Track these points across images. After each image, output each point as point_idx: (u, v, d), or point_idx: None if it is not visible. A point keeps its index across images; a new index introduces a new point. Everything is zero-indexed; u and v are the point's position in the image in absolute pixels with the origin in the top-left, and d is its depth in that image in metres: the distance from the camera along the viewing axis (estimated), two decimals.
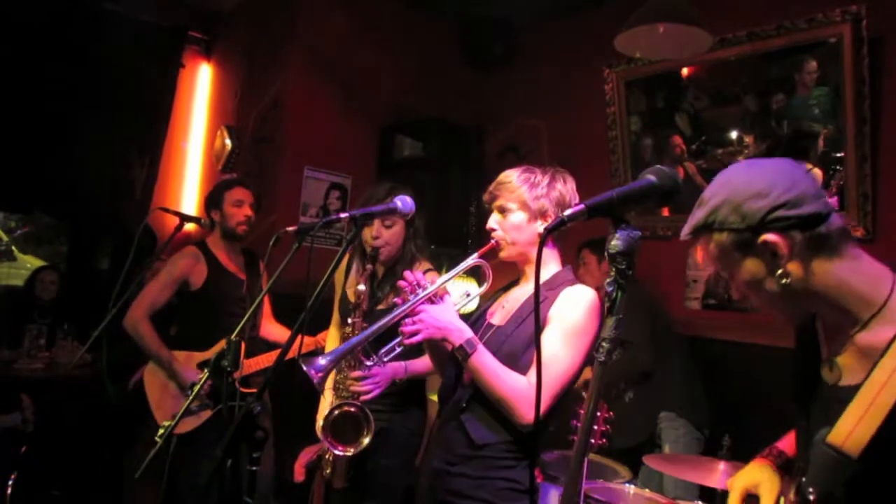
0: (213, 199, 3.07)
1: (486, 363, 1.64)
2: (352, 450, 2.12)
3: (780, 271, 1.07)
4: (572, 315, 1.67)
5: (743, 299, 1.21)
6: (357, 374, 2.19)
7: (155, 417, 2.89)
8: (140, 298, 2.91)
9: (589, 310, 1.68)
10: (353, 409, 2.15)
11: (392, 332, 1.77)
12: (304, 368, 1.61)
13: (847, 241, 1.09)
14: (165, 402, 2.90)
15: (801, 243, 1.06)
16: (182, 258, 2.98)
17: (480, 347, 1.66)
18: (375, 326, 1.75)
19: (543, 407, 1.59)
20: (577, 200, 1.80)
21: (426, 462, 1.88)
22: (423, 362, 2.33)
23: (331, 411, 2.15)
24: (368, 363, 2.12)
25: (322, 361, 1.65)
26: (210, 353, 2.87)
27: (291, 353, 1.76)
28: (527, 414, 1.59)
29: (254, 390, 2.87)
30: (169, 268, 2.97)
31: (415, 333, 1.69)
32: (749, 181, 1.10)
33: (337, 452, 2.13)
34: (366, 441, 2.12)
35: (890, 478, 0.99)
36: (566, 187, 1.80)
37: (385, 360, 1.85)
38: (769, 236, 1.06)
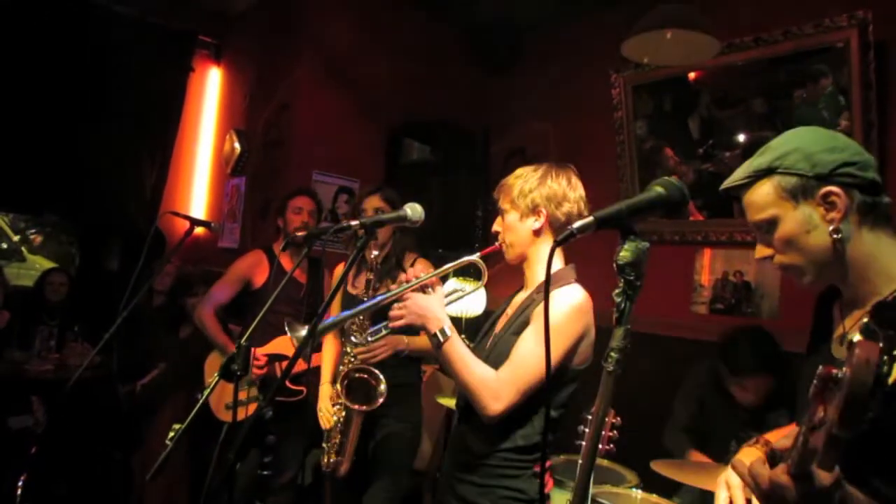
0: (279, 207, 3.29)
1: (457, 351, 1.67)
2: (369, 406, 2.34)
3: (833, 226, 1.10)
4: (552, 314, 1.62)
5: (769, 258, 1.20)
6: (361, 349, 2.39)
7: (212, 407, 3.06)
8: (207, 296, 3.18)
9: (570, 311, 1.65)
10: (363, 375, 2.36)
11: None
12: (288, 335, 1.72)
13: (889, 220, 1.14)
14: (224, 390, 3.06)
15: (858, 204, 1.10)
16: (246, 259, 3.23)
17: (454, 337, 1.69)
18: (363, 306, 1.86)
19: (510, 401, 1.61)
20: (574, 192, 1.78)
21: (442, 465, 1.92)
22: (425, 339, 2.41)
23: (342, 379, 2.36)
24: (354, 341, 2.37)
25: (303, 332, 1.71)
26: (267, 349, 3.05)
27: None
28: (490, 405, 1.61)
29: (302, 388, 2.99)
30: (234, 268, 3.21)
31: (400, 318, 1.75)
32: (823, 137, 1.15)
33: (358, 408, 2.35)
34: (380, 395, 2.32)
35: (887, 434, 1.00)
36: (558, 181, 1.77)
37: (370, 340, 1.93)
38: (833, 188, 1.10)
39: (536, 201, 1.75)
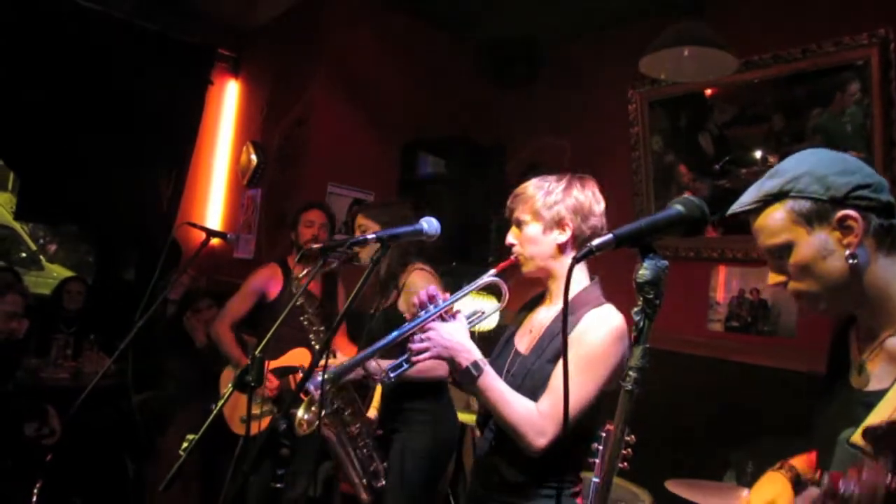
0: (292, 220, 3.34)
1: (493, 386, 1.57)
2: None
3: (849, 251, 1.06)
4: (590, 341, 1.55)
5: (783, 284, 1.16)
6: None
7: (227, 419, 3.09)
8: (224, 310, 3.23)
9: (609, 336, 1.55)
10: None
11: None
12: (306, 384, 1.61)
13: None
14: (238, 403, 3.09)
15: (874, 228, 1.07)
16: (261, 272, 3.28)
17: (488, 370, 1.58)
18: (383, 343, 1.67)
19: (554, 435, 1.51)
20: (599, 205, 1.69)
21: (469, 486, 1.86)
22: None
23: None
24: (376, 379, 2.18)
25: (323, 378, 1.63)
26: (282, 361, 3.06)
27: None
28: (534, 440, 1.51)
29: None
30: (249, 281, 3.26)
31: (423, 351, 1.61)
32: (834, 159, 1.11)
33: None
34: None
35: None
36: (584, 193, 1.67)
37: (392, 376, 1.70)
38: (850, 211, 1.06)
39: (562, 214, 1.64)
